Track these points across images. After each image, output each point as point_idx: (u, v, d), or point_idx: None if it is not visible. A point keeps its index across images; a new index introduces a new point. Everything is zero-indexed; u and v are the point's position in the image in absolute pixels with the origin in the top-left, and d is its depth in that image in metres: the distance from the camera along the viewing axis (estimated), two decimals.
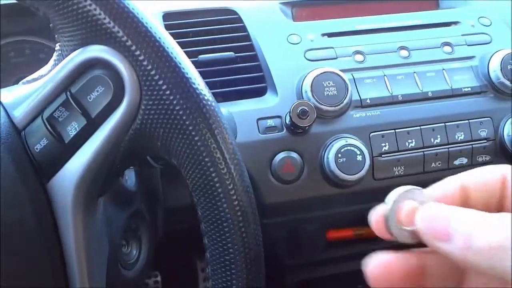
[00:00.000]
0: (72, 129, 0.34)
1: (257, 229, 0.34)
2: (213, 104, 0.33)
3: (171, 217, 0.64)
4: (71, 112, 0.34)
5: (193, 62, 0.62)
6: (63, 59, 0.34)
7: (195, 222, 0.68)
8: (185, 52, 0.63)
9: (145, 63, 0.32)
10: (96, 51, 0.33)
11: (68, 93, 0.34)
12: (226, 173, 0.32)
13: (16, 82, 0.39)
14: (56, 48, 0.35)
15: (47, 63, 0.40)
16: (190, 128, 0.32)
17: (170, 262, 0.88)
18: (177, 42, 0.63)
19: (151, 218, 0.61)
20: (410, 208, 0.27)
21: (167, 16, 0.67)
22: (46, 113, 0.34)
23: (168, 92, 0.32)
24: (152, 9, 0.68)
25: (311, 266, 0.81)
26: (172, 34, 0.64)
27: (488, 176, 0.27)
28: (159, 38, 0.33)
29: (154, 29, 0.33)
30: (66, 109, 0.34)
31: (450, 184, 0.27)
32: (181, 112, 0.32)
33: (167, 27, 0.65)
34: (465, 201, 0.27)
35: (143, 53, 0.32)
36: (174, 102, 0.32)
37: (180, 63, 0.33)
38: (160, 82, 0.32)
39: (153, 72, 0.32)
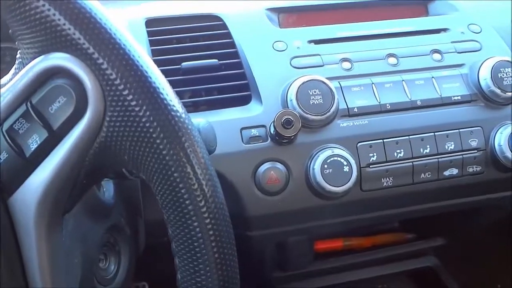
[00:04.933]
0: (33, 142, 0.32)
1: (232, 248, 0.32)
2: (183, 115, 0.31)
3: (153, 230, 0.62)
4: (31, 124, 0.31)
5: (176, 69, 0.62)
6: (24, 67, 0.32)
7: None
8: (168, 59, 0.63)
9: (108, 71, 0.30)
10: (57, 59, 0.31)
11: (28, 103, 0.32)
12: (197, 189, 0.30)
13: None
14: (17, 56, 0.33)
15: None
16: (158, 141, 0.30)
17: (158, 271, 0.86)
18: (160, 49, 0.63)
19: (131, 231, 0.58)
20: None
21: (150, 22, 0.65)
22: (6, 125, 0.32)
23: (134, 103, 0.30)
24: (134, 15, 0.66)
25: (299, 278, 0.79)
26: (155, 41, 0.64)
27: None
28: (124, 44, 0.31)
29: (118, 35, 0.31)
30: (26, 120, 0.32)
31: None
32: (147, 124, 0.30)
33: (150, 34, 0.64)
34: None
35: (106, 61, 0.30)
36: (141, 113, 0.30)
37: (147, 72, 0.31)
38: (125, 92, 0.30)
39: (117, 82, 0.30)
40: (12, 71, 0.34)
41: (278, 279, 0.77)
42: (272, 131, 0.55)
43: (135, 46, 0.32)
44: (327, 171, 0.54)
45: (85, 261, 0.46)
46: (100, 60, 0.30)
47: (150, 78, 0.31)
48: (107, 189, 0.54)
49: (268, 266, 0.74)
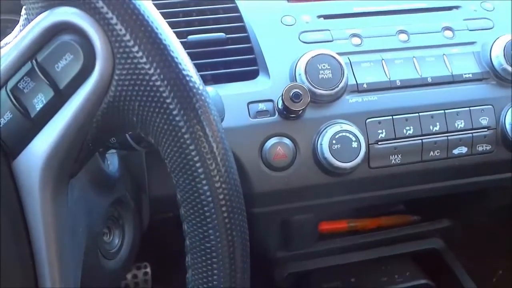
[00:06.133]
0: (38, 102, 0.30)
1: (242, 214, 0.31)
2: (194, 75, 0.30)
3: (157, 206, 0.61)
4: (37, 82, 0.30)
5: (182, 42, 0.60)
6: (29, 23, 0.31)
7: None
8: (175, 32, 0.61)
9: (118, 27, 0.29)
10: (65, 14, 0.30)
11: (34, 61, 0.30)
12: (208, 151, 0.29)
13: None
14: (22, 13, 0.32)
15: None
16: (168, 101, 0.29)
17: (159, 252, 0.86)
18: (167, 22, 0.62)
19: (135, 206, 0.58)
20: None
21: None
22: (10, 84, 0.31)
23: (143, 60, 0.29)
24: None
25: (302, 258, 0.78)
26: (161, 14, 0.62)
27: None
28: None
29: None
30: (31, 79, 0.30)
31: None
32: (157, 83, 0.29)
33: (156, 7, 0.62)
34: None
35: (116, 16, 0.29)
36: (151, 71, 0.29)
37: (157, 28, 0.30)
38: (135, 49, 0.29)
39: (126, 38, 0.29)
40: (17, 28, 0.33)
41: (282, 259, 0.77)
42: (280, 105, 0.53)
43: (146, 2, 0.30)
44: (335, 146, 0.53)
45: (90, 233, 0.45)
46: (110, 15, 0.29)
47: (161, 35, 0.30)
48: (112, 162, 0.53)
49: (272, 245, 0.73)
